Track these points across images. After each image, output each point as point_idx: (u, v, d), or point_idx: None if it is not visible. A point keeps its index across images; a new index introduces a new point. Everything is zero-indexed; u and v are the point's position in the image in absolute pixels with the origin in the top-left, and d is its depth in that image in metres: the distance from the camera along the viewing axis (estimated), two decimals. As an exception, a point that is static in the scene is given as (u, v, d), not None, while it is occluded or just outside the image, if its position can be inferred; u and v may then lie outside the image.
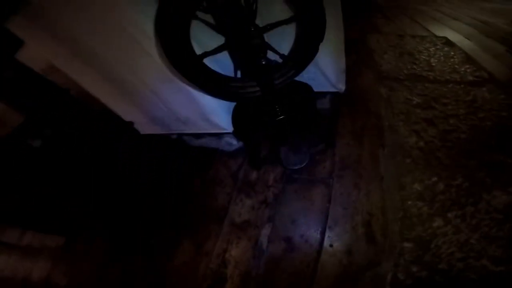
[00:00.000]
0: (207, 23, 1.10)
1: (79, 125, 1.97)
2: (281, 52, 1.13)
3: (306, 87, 1.33)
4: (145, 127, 1.81)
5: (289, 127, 1.29)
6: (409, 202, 1.24)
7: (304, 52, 1.13)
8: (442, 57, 2.09)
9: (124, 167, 1.72)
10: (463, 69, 1.97)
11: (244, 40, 0.96)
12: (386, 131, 1.51)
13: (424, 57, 2.08)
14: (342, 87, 1.63)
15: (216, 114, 1.45)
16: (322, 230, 1.24)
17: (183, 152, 1.79)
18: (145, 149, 1.87)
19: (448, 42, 2.36)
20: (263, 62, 0.99)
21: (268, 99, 1.22)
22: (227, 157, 1.64)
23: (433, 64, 1.99)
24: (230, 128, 1.53)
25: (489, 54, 2.22)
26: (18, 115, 1.79)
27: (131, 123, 1.69)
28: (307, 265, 1.15)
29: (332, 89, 1.63)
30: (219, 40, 1.12)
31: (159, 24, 0.98)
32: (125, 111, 1.69)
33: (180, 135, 1.79)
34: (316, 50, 1.13)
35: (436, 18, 3.05)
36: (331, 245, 1.19)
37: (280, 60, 1.15)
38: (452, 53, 2.17)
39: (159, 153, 1.83)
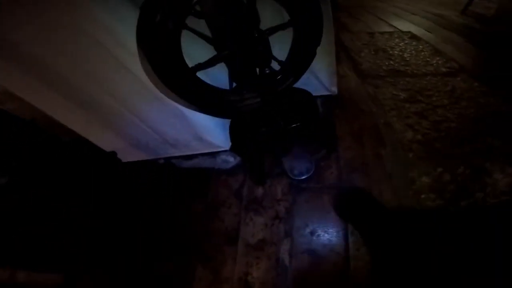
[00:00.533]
0: (197, 33, 1.01)
1: (49, 160, 1.79)
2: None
3: (305, 93, 1.29)
4: (127, 155, 1.65)
5: (292, 136, 1.24)
6: (423, 196, 1.25)
7: (303, 57, 1.10)
8: (413, 51, 2.20)
9: (110, 201, 1.57)
10: (434, 61, 2.08)
11: (248, 48, 0.89)
12: (383, 129, 1.53)
13: (397, 53, 2.17)
14: (335, 89, 1.63)
15: (209, 132, 1.36)
16: (344, 236, 1.21)
17: (173, 178, 1.67)
18: (130, 179, 1.72)
19: (414, 36, 2.50)
20: (267, 71, 0.93)
21: (268, 110, 1.16)
22: (226, 176, 1.55)
23: (407, 59, 2.08)
24: (226, 146, 1.45)
25: (452, 45, 2.39)
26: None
27: (113, 153, 1.53)
28: (338, 273, 1.11)
29: (325, 93, 1.63)
30: (208, 51, 1.03)
31: (142, 35, 0.88)
32: (102, 139, 1.53)
33: (168, 158, 1.65)
34: (314, 54, 1.10)
35: (396, 14, 3.24)
36: (357, 249, 1.15)
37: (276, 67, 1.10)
38: (421, 46, 2.30)
39: (146, 182, 1.69)
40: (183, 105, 1.18)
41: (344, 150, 1.48)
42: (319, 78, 1.51)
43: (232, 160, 1.57)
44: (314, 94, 1.48)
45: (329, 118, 1.63)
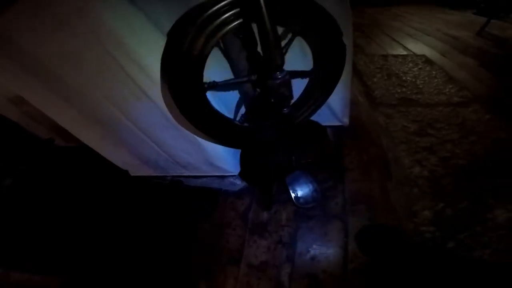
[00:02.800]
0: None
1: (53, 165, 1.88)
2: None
3: (316, 125, 1.34)
4: (136, 169, 1.72)
5: (302, 168, 1.29)
6: (423, 228, 1.31)
7: (320, 94, 1.15)
8: (426, 78, 2.24)
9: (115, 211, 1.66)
10: (447, 90, 2.12)
11: (271, 89, 0.95)
12: (391, 162, 1.57)
13: (410, 79, 2.22)
14: (346, 121, 1.67)
15: (221, 158, 1.41)
16: (344, 263, 1.26)
17: (181, 195, 1.73)
18: (138, 194, 1.79)
19: (428, 61, 2.54)
20: (286, 111, 0.99)
21: (280, 142, 1.22)
22: (233, 198, 1.61)
23: (420, 86, 2.12)
24: (235, 171, 1.50)
25: (465, 71, 2.42)
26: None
27: (126, 172, 1.60)
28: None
29: (337, 123, 1.67)
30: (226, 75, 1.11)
31: (168, 62, 0.95)
32: (114, 154, 1.60)
33: (177, 176, 1.72)
34: (331, 92, 1.15)
35: (411, 35, 3.28)
36: (357, 276, 1.21)
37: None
38: (434, 72, 2.34)
39: (154, 196, 1.76)
40: (199, 136, 1.24)
41: (350, 181, 1.53)
42: (332, 109, 1.55)
43: (239, 183, 1.62)
44: (324, 123, 1.54)
45: (338, 149, 1.68)
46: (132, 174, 1.78)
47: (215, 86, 0.98)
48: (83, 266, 1.49)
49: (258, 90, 1.05)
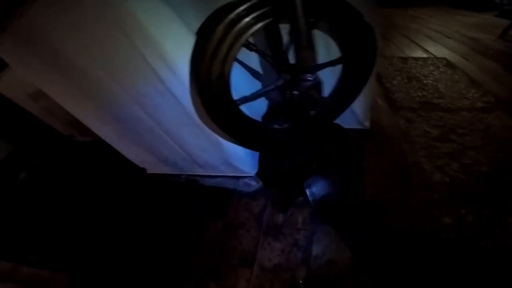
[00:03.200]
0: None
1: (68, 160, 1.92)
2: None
3: (339, 128, 1.32)
4: (153, 167, 1.74)
5: (323, 171, 1.27)
6: (443, 234, 1.28)
7: (348, 93, 1.13)
8: (448, 82, 2.18)
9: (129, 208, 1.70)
10: (470, 94, 2.06)
11: (301, 92, 0.94)
12: (411, 168, 1.54)
13: (431, 82, 2.17)
14: (368, 124, 1.64)
15: (239, 159, 1.41)
16: (360, 267, 1.24)
17: (195, 193, 1.73)
18: (152, 191, 1.80)
19: (449, 64, 2.48)
20: (312, 113, 0.97)
21: (303, 144, 1.20)
22: (248, 199, 1.61)
23: (442, 90, 2.07)
24: (252, 172, 1.50)
25: (488, 75, 2.36)
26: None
27: (143, 170, 1.61)
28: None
29: (357, 126, 1.64)
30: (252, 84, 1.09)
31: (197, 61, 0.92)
32: (131, 152, 1.62)
33: (192, 175, 1.72)
34: (360, 90, 1.13)
35: (430, 37, 3.21)
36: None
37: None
38: (456, 76, 2.28)
39: (168, 194, 1.77)
40: (222, 136, 1.23)
41: (369, 185, 1.51)
42: (354, 112, 1.51)
43: (254, 184, 1.62)
44: (345, 126, 1.51)
45: (359, 152, 1.65)
46: (148, 172, 1.79)
47: (245, 101, 0.99)
48: (91, 263, 1.51)
49: (288, 93, 1.02)
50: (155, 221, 1.66)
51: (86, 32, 0.92)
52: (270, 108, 1.13)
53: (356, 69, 1.04)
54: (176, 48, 0.95)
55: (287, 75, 1.00)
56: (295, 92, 0.97)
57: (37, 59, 1.04)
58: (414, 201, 1.43)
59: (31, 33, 0.94)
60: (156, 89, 1.07)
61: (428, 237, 1.29)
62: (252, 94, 1.01)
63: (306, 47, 0.83)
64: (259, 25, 0.84)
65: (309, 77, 0.92)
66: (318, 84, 0.95)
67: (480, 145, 1.66)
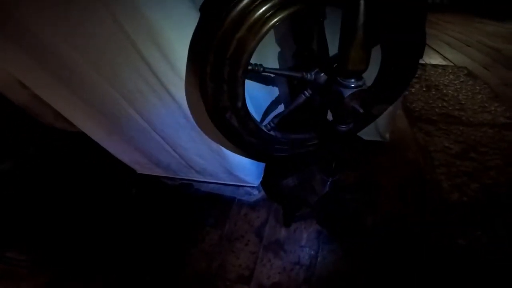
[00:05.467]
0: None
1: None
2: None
3: (359, 140, 1.24)
4: (144, 168, 1.67)
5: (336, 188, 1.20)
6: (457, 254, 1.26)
7: (383, 102, 1.05)
8: (469, 93, 2.12)
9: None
10: (492, 108, 2.00)
11: (337, 99, 0.78)
12: (428, 185, 1.49)
13: (451, 92, 2.11)
14: (388, 136, 1.58)
15: (242, 168, 1.33)
16: None
17: (190, 200, 1.66)
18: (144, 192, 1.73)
19: (470, 74, 2.42)
20: (344, 129, 0.87)
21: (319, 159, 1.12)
22: (248, 209, 1.54)
23: (463, 102, 2.01)
24: (255, 183, 1.44)
25: (512, 89, 2.29)
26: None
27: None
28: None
29: (377, 138, 1.58)
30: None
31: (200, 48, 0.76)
32: (120, 151, 1.54)
33: (188, 180, 1.65)
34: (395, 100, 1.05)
35: (450, 44, 3.16)
36: None
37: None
38: (478, 88, 2.22)
39: (160, 199, 1.70)
40: (224, 145, 1.14)
41: (383, 202, 1.45)
42: (376, 122, 1.43)
43: (256, 193, 1.57)
44: (365, 137, 1.44)
45: (374, 166, 1.59)
46: (139, 172, 1.71)
47: (260, 71, 0.81)
48: (73, 264, 1.47)
49: (308, 92, 0.90)
50: (145, 224, 1.59)
51: (67, 12, 0.76)
52: (286, 115, 0.99)
53: (396, 77, 0.94)
54: (175, 32, 0.78)
55: (321, 76, 0.86)
56: (307, 92, 0.87)
57: (22, 50, 0.92)
58: (428, 220, 1.39)
59: (12, 22, 0.82)
60: (150, 87, 0.96)
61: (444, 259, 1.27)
62: (271, 68, 0.86)
63: (361, 45, 0.65)
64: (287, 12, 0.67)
65: (353, 82, 0.74)
66: (364, 93, 0.77)
67: (502, 165, 1.61)
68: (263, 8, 0.65)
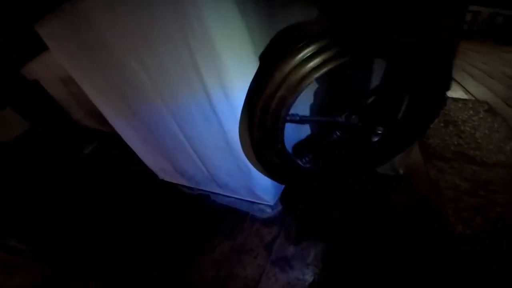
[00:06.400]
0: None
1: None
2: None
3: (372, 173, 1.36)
4: (167, 175, 1.80)
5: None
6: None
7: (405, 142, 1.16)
8: (487, 131, 2.18)
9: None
10: (508, 148, 2.06)
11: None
12: (434, 218, 1.57)
13: (469, 129, 2.17)
14: (401, 171, 1.66)
15: (264, 189, 1.44)
16: None
17: (207, 209, 1.78)
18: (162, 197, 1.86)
19: (490, 110, 2.48)
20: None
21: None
22: (260, 225, 1.65)
23: (479, 141, 2.07)
24: (272, 202, 1.54)
25: (531, 128, 2.33)
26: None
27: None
28: None
29: (391, 173, 1.66)
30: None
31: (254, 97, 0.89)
32: (149, 156, 1.68)
33: (207, 191, 1.78)
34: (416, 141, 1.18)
35: (472, 75, 3.20)
36: None
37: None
38: (496, 125, 2.27)
39: (179, 206, 1.83)
40: (255, 166, 1.24)
41: (390, 231, 1.53)
42: None
43: (269, 211, 1.67)
44: (379, 171, 1.53)
45: (381, 197, 1.67)
46: (161, 178, 1.84)
47: (297, 120, 0.96)
48: (77, 260, 1.60)
49: (338, 132, 1.04)
50: (159, 228, 1.73)
51: (142, 30, 0.87)
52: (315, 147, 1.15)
53: (423, 111, 1.01)
54: (236, 70, 0.89)
55: (352, 119, 1.00)
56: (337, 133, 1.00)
57: (79, 49, 1.06)
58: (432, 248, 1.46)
59: (81, 22, 0.94)
60: (200, 106, 1.05)
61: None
62: (307, 116, 1.03)
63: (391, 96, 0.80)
64: (333, 64, 0.79)
65: (379, 130, 0.91)
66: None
67: (509, 203, 1.67)
68: (307, 66, 0.78)
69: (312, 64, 0.78)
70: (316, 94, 1.24)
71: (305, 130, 1.44)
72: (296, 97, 0.83)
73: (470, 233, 1.51)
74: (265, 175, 1.19)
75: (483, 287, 1.30)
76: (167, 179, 1.83)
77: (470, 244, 1.47)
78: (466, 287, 1.31)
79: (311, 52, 0.77)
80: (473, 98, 2.67)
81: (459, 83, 3.01)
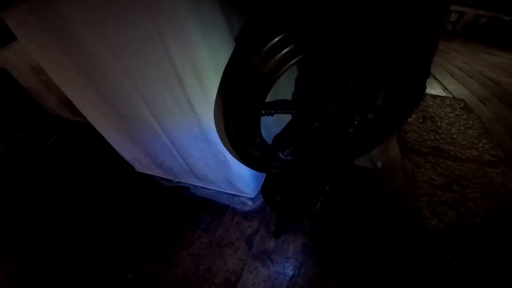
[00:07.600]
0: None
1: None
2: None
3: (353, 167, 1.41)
4: (144, 167, 1.80)
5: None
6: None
7: (383, 134, 1.22)
8: (461, 127, 2.31)
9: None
10: (481, 144, 2.19)
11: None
12: (410, 212, 1.66)
13: (445, 125, 2.29)
14: (380, 164, 1.74)
15: (242, 180, 1.47)
16: None
17: (184, 202, 1.80)
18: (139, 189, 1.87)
19: (466, 107, 2.62)
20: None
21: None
22: (240, 218, 1.69)
23: (454, 136, 2.20)
24: (253, 194, 1.57)
25: (503, 125, 2.50)
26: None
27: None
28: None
29: (368, 166, 1.74)
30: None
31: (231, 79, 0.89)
32: (124, 146, 1.67)
33: (185, 183, 1.79)
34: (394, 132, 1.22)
35: (452, 74, 3.36)
36: None
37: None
38: (471, 122, 2.41)
39: (156, 197, 1.83)
40: (232, 156, 1.25)
41: (367, 223, 1.61)
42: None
43: (250, 203, 1.71)
44: (357, 164, 1.60)
45: (362, 191, 1.75)
46: (137, 170, 1.84)
47: (272, 114, 0.98)
48: (49, 253, 1.60)
49: (316, 124, 1.08)
50: (135, 222, 1.73)
51: (111, 16, 0.86)
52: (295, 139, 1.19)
53: (399, 110, 1.08)
54: (211, 54, 0.88)
55: (329, 109, 1.04)
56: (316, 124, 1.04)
57: (48, 37, 1.04)
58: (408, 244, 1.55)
59: (49, 9, 0.93)
60: (172, 93, 1.04)
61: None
62: (282, 111, 1.02)
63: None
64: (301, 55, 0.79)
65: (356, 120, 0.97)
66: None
67: (480, 198, 1.79)
68: (282, 52, 0.78)
69: (280, 55, 0.78)
70: (296, 83, 1.29)
71: (286, 122, 1.48)
72: (269, 89, 0.85)
73: (444, 227, 1.62)
74: (244, 164, 1.21)
75: (456, 282, 1.39)
76: (144, 170, 1.82)
77: (443, 238, 1.57)
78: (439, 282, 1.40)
79: (280, 43, 0.77)
80: (451, 96, 2.82)
81: (438, 80, 3.15)
